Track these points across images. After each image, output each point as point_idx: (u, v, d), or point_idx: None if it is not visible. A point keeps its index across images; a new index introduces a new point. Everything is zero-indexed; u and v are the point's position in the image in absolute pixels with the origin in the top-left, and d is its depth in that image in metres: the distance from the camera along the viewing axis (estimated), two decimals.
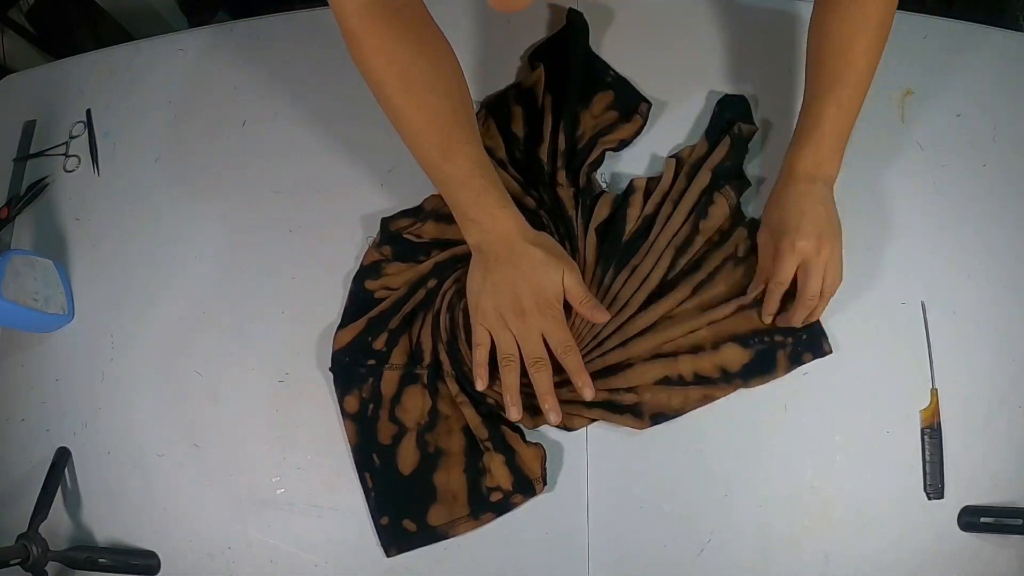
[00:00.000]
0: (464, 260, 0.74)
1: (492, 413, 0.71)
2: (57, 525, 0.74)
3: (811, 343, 0.70)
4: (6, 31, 1.41)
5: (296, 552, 0.71)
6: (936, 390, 0.69)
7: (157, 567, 0.72)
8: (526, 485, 0.68)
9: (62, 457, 0.76)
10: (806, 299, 0.67)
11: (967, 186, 0.75)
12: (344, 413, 0.73)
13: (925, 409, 0.69)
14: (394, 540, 0.69)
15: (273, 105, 0.87)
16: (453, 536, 0.69)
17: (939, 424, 0.68)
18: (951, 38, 0.81)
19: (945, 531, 0.66)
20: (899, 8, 0.82)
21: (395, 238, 0.77)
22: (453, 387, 0.71)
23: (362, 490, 0.71)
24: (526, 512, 0.69)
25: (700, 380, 0.69)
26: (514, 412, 0.68)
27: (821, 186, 0.68)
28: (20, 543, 0.68)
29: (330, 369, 0.74)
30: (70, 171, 0.89)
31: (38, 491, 0.73)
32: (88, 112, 0.90)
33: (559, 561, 0.68)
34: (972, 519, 0.65)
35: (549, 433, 0.71)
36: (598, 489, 0.69)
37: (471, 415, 0.70)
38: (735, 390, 0.69)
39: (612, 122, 0.79)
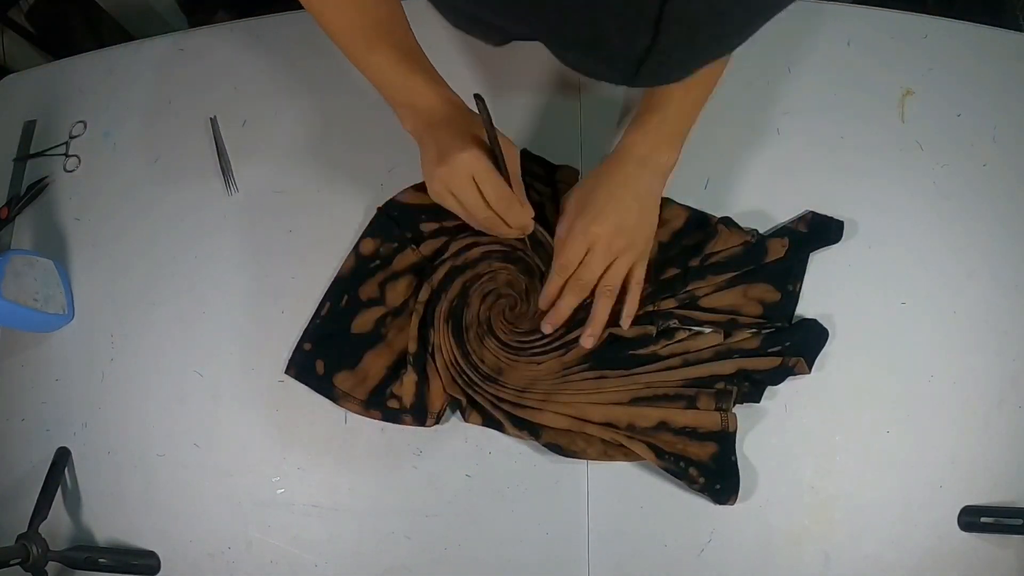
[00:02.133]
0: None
1: (428, 339, 0.72)
2: (57, 525, 0.74)
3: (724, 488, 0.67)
4: (6, 31, 1.41)
5: (296, 552, 0.71)
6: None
7: (157, 567, 0.72)
8: (420, 412, 0.71)
9: (62, 457, 0.76)
10: (576, 285, 0.65)
11: (967, 186, 0.75)
12: (355, 247, 0.77)
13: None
14: (300, 366, 0.75)
15: (273, 105, 0.87)
16: (340, 406, 0.73)
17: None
18: (951, 38, 0.81)
19: (945, 531, 0.66)
20: (899, 8, 0.82)
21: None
22: (424, 295, 0.73)
23: (312, 312, 0.76)
24: (526, 511, 0.69)
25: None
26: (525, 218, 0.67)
27: (649, 174, 0.65)
28: (20, 543, 0.68)
29: (379, 208, 0.78)
30: (70, 171, 0.89)
31: (38, 491, 0.73)
32: (213, 120, 0.90)
33: (559, 561, 0.68)
34: (972, 519, 0.65)
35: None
36: (598, 489, 0.69)
37: (413, 326, 0.72)
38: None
39: None
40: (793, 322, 0.72)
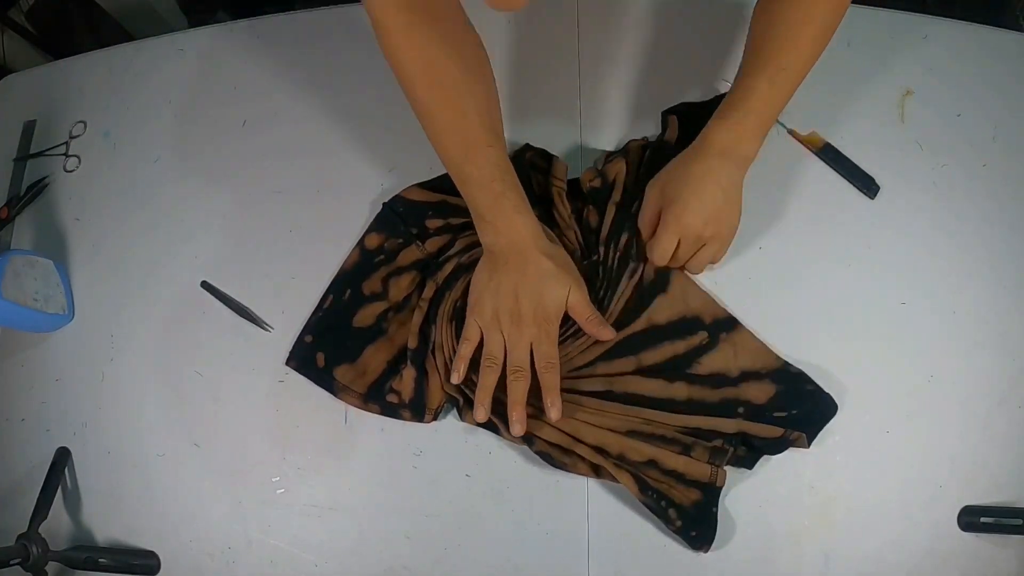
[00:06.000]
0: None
1: (429, 335, 0.73)
2: (57, 525, 0.74)
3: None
4: (6, 31, 1.41)
5: (296, 552, 0.71)
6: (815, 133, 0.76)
7: (157, 567, 0.72)
8: (419, 408, 0.71)
9: (62, 457, 0.76)
10: (677, 264, 0.71)
11: (967, 186, 0.75)
12: (360, 242, 0.78)
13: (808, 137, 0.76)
14: (301, 358, 0.75)
15: (273, 105, 0.87)
16: (339, 398, 0.73)
17: (826, 143, 0.76)
18: (951, 38, 0.81)
19: (945, 531, 0.66)
20: (899, 8, 0.82)
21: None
22: (429, 291, 0.74)
23: (315, 305, 0.76)
24: (526, 511, 0.69)
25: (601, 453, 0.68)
26: (481, 413, 0.68)
27: (731, 166, 0.66)
28: (20, 543, 0.68)
29: (384, 204, 0.78)
30: (70, 171, 0.89)
31: (38, 491, 0.73)
32: None
33: (559, 561, 0.68)
34: (972, 519, 0.65)
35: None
36: (598, 489, 0.69)
37: (416, 322, 0.73)
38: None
39: None
40: (807, 385, 0.69)
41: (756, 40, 0.67)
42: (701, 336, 0.70)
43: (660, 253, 0.69)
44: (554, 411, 0.67)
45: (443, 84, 0.66)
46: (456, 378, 0.70)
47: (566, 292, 0.69)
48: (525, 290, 0.69)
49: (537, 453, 0.68)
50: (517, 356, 0.69)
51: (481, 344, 0.71)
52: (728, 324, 0.71)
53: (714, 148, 0.66)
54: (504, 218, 0.68)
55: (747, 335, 0.71)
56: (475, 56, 0.68)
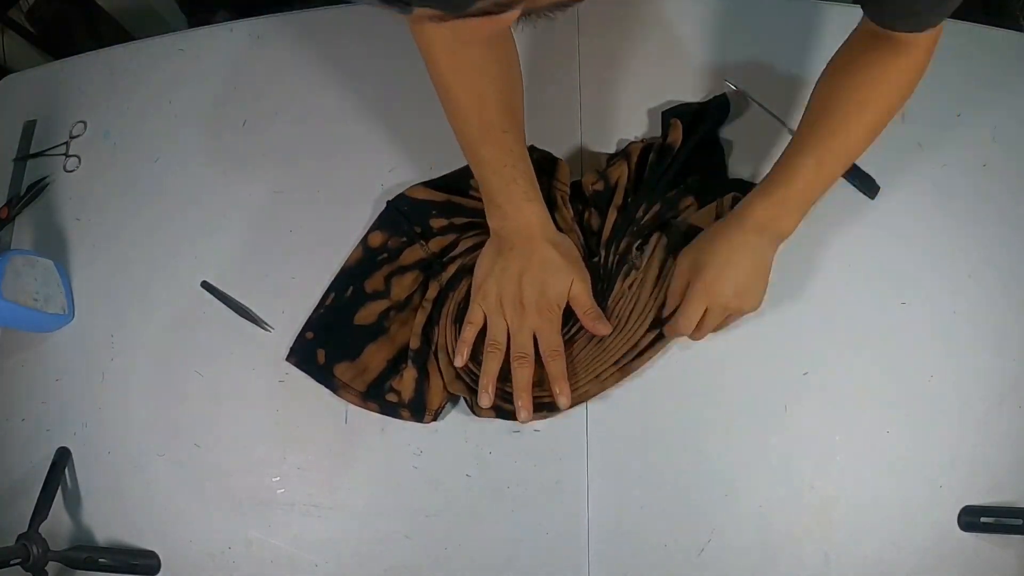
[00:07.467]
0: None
1: (432, 336, 0.73)
2: (57, 525, 0.74)
3: None
4: (6, 31, 1.41)
5: (296, 552, 0.71)
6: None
7: (157, 567, 0.72)
8: (419, 408, 0.71)
9: (62, 457, 0.76)
10: (692, 335, 0.67)
11: (967, 186, 0.75)
12: (363, 239, 0.78)
13: None
14: (302, 355, 0.75)
15: (273, 105, 0.87)
16: (339, 396, 0.73)
17: None
18: (951, 38, 0.80)
19: (945, 531, 0.66)
20: None
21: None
22: (432, 292, 0.74)
23: (317, 303, 0.76)
24: (526, 512, 0.69)
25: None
26: (485, 399, 0.69)
27: (766, 241, 0.65)
28: (20, 543, 0.68)
29: (389, 202, 0.78)
30: (70, 171, 0.89)
31: (38, 491, 0.73)
32: None
33: (559, 561, 0.68)
34: (972, 519, 0.65)
35: (547, 430, 0.71)
36: (598, 489, 0.69)
37: (418, 323, 0.73)
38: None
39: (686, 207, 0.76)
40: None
41: (813, 114, 0.65)
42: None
43: (686, 322, 0.66)
44: (563, 398, 0.68)
45: (465, 67, 0.66)
46: (460, 361, 0.70)
47: (569, 283, 0.69)
48: (529, 278, 0.69)
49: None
50: (520, 342, 0.69)
51: (484, 329, 0.71)
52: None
53: (752, 222, 0.65)
54: (513, 204, 0.69)
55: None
56: (501, 41, 0.67)
